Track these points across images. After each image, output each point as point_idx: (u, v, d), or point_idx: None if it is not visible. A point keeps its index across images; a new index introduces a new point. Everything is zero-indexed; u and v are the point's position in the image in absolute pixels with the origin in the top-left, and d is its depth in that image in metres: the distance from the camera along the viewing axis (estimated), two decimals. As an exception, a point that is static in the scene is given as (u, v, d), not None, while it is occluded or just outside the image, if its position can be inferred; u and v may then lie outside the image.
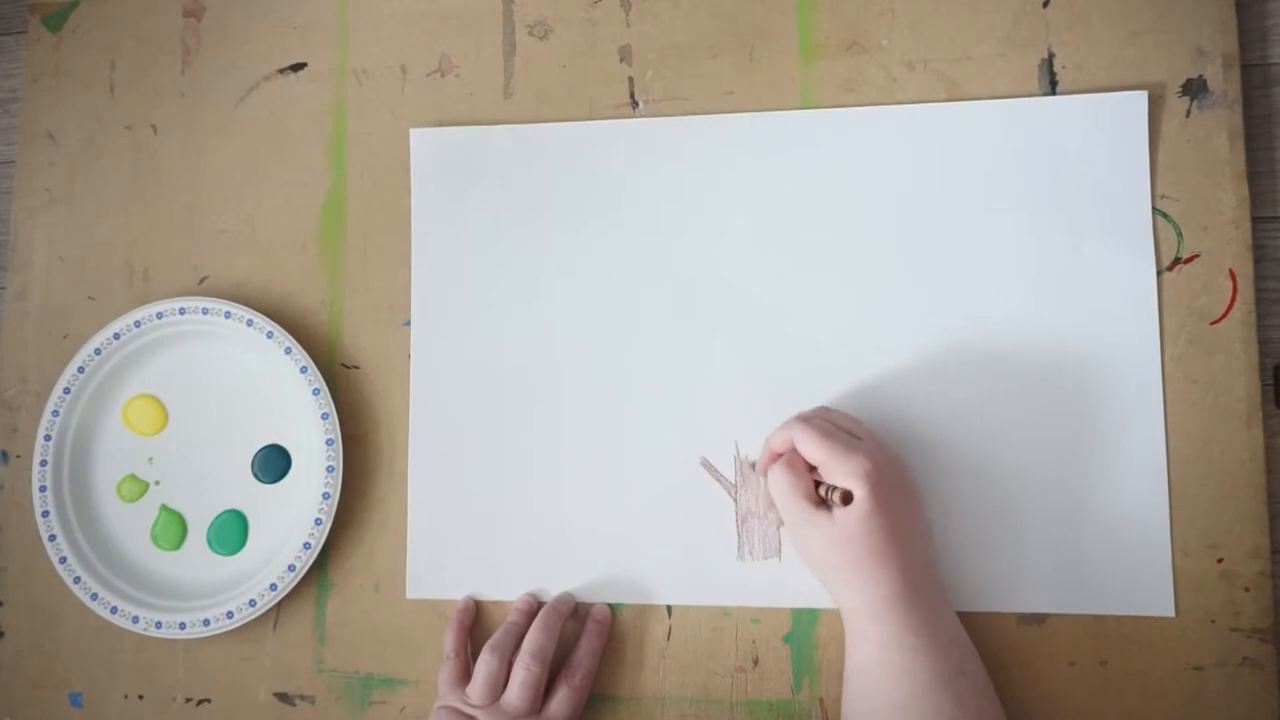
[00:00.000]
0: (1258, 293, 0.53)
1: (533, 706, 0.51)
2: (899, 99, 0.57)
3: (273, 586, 0.56)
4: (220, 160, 0.62)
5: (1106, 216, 0.54)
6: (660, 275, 0.57)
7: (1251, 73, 0.56)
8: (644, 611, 0.56)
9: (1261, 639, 0.51)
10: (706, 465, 0.56)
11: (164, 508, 0.59)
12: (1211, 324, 0.53)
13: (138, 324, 0.58)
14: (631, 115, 0.59)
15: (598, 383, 0.57)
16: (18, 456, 0.61)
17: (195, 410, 0.59)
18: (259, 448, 0.59)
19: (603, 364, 0.57)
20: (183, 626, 0.56)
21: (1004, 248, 0.55)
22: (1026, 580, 0.53)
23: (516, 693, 0.51)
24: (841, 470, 0.47)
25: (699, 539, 0.55)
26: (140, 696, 0.58)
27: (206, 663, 0.58)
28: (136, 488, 0.59)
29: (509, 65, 0.60)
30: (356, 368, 0.59)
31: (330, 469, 0.56)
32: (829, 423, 0.50)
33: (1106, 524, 0.53)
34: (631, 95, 0.59)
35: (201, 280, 0.61)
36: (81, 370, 0.58)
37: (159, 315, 0.58)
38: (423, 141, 0.60)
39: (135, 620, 0.56)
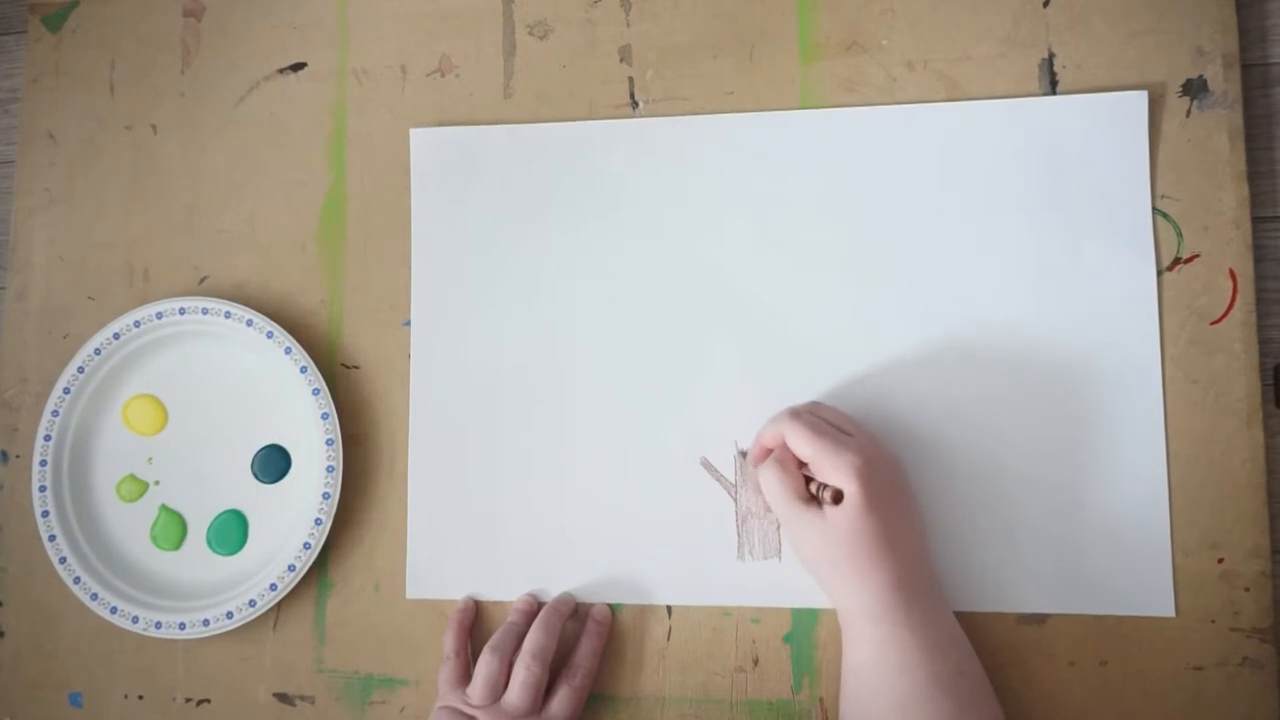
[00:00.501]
0: (1258, 293, 0.53)
1: (533, 706, 0.51)
2: (899, 99, 0.57)
3: (273, 586, 0.56)
4: (220, 160, 0.62)
5: (1106, 216, 0.54)
6: (660, 275, 0.57)
7: (1251, 73, 0.56)
8: (644, 611, 0.56)
9: (1261, 639, 0.51)
10: (706, 465, 0.56)
11: (164, 508, 0.59)
12: (1211, 324, 0.53)
13: (137, 324, 0.58)
14: (631, 115, 0.59)
15: (598, 383, 0.57)
16: (18, 456, 0.61)
17: (195, 410, 0.59)
18: (259, 448, 0.59)
19: (603, 364, 0.57)
20: (182, 626, 0.56)
21: (1004, 248, 0.55)
22: (1026, 580, 0.53)
23: (517, 693, 0.51)
24: (831, 467, 0.47)
25: (699, 539, 0.55)
26: (140, 696, 0.58)
27: (206, 663, 0.58)
28: (136, 488, 0.59)
29: (509, 65, 0.60)
30: (356, 368, 0.59)
31: (330, 469, 0.56)
32: (819, 418, 0.50)
33: (1106, 524, 0.53)
34: (631, 95, 0.59)
35: (201, 280, 0.61)
36: (81, 370, 0.58)
37: (159, 315, 0.58)
38: (423, 141, 0.60)
39: (135, 620, 0.56)
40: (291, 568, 0.56)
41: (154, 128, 0.62)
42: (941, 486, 0.54)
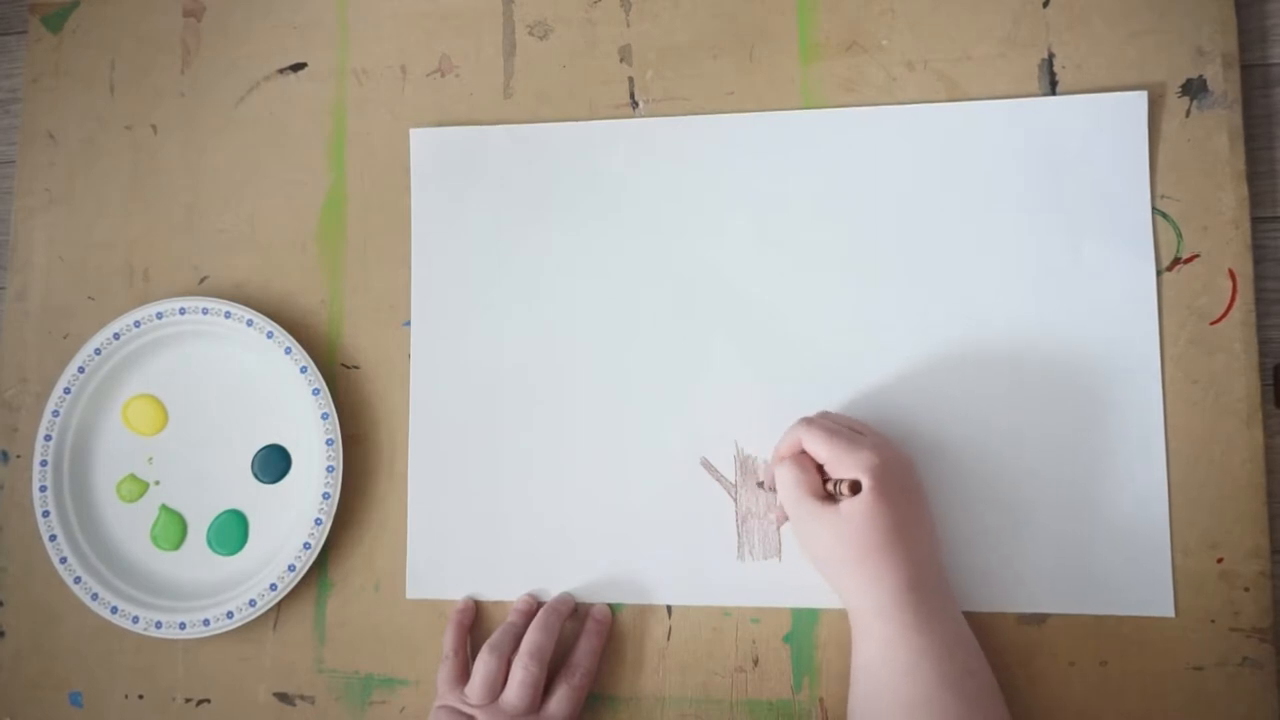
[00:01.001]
0: (1258, 293, 0.53)
1: (531, 706, 0.51)
2: (899, 99, 0.57)
3: (273, 586, 0.56)
4: (220, 160, 0.62)
5: (1106, 216, 0.54)
6: (660, 275, 0.57)
7: (1251, 73, 0.56)
8: (644, 611, 0.56)
9: (1261, 639, 0.51)
10: (706, 465, 0.56)
11: (164, 508, 0.59)
12: (1211, 324, 0.53)
13: (138, 324, 0.58)
14: (631, 115, 0.59)
15: (598, 383, 0.57)
16: (18, 456, 0.61)
17: (195, 410, 0.59)
18: (259, 448, 0.59)
19: (603, 364, 0.57)
20: (183, 626, 0.56)
21: (1004, 248, 0.55)
22: (1026, 580, 0.53)
23: (515, 692, 0.51)
24: (848, 463, 0.48)
25: (699, 539, 0.55)
26: (140, 696, 0.58)
27: (206, 663, 0.58)
28: (136, 488, 0.59)
29: (509, 65, 0.60)
30: (356, 368, 0.59)
31: (330, 469, 0.56)
32: (833, 421, 0.51)
33: (1106, 524, 0.53)
34: (631, 95, 0.59)
35: (201, 280, 0.61)
36: (81, 370, 0.58)
37: (159, 315, 0.58)
38: (423, 141, 0.60)
39: (135, 620, 0.56)
40: (291, 568, 0.56)
41: (154, 128, 0.62)
42: (941, 487, 0.54)
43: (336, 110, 0.61)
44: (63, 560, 0.57)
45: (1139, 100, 0.54)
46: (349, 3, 0.62)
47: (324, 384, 0.57)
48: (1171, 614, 0.52)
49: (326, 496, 0.56)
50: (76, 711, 0.59)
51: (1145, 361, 0.53)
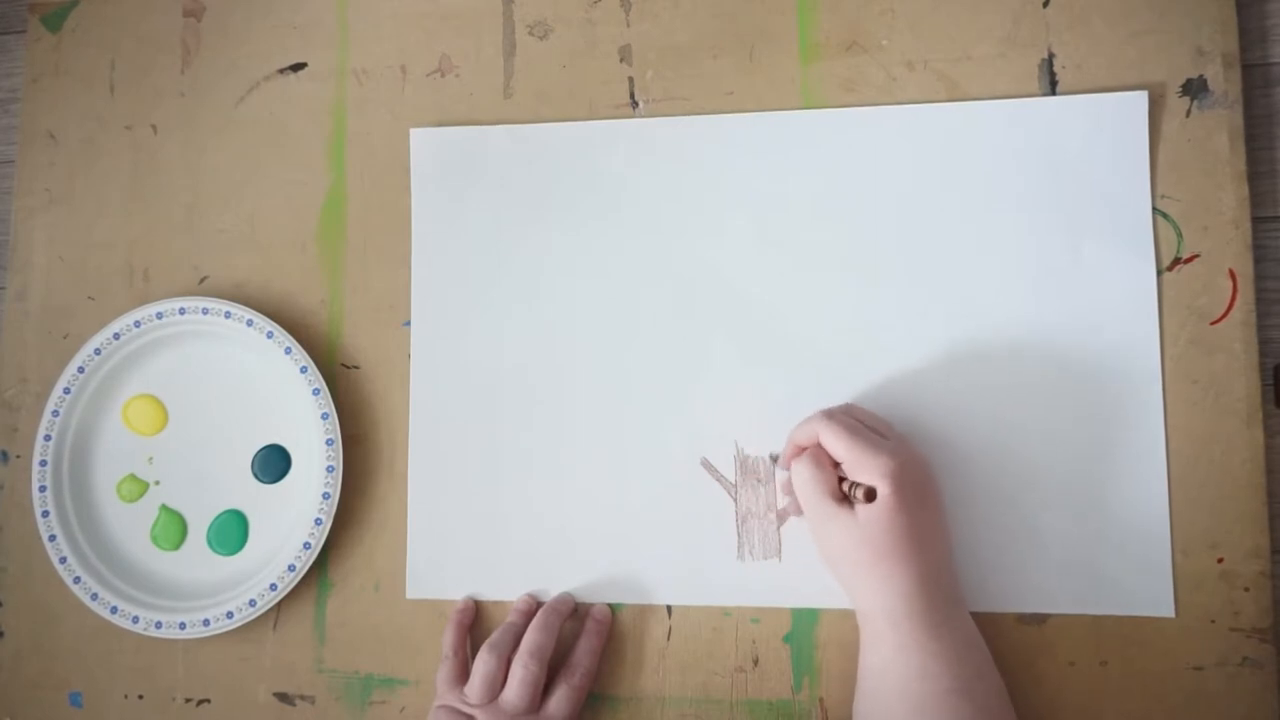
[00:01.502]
0: (1258, 293, 0.53)
1: (531, 705, 0.51)
2: (899, 99, 0.57)
3: (273, 586, 0.56)
4: (220, 160, 0.62)
5: (1106, 216, 0.54)
6: (660, 275, 0.57)
7: (1251, 73, 0.56)
8: (644, 611, 0.56)
9: (1261, 639, 0.51)
10: (706, 465, 0.56)
11: (164, 508, 0.59)
12: (1211, 324, 0.53)
13: (138, 324, 0.58)
14: (631, 115, 0.59)
15: (598, 383, 0.57)
16: (18, 456, 0.61)
17: (195, 410, 0.59)
18: (259, 448, 0.59)
19: (603, 364, 0.57)
20: (183, 626, 0.56)
21: (1004, 248, 0.55)
22: (1026, 580, 0.53)
23: (515, 691, 0.51)
24: (866, 468, 0.47)
25: (699, 539, 0.55)
26: (140, 696, 0.58)
27: (206, 663, 0.58)
28: (136, 488, 0.59)
29: (509, 65, 0.60)
30: (356, 368, 0.59)
31: (330, 469, 0.56)
32: (855, 419, 0.50)
33: (1107, 524, 0.53)
34: (631, 95, 0.59)
35: (201, 280, 0.61)
36: (81, 370, 0.58)
37: (159, 315, 0.58)
38: (423, 141, 0.60)
39: (135, 620, 0.56)
40: (291, 568, 0.56)
41: (154, 128, 0.62)
42: (941, 487, 0.54)
43: (336, 110, 0.61)
44: (62, 560, 0.57)
45: (1139, 100, 0.54)
46: (349, 3, 0.62)
47: (324, 384, 0.57)
48: (1171, 614, 0.52)
49: (326, 496, 0.56)
50: (76, 711, 0.59)
51: (1145, 361, 0.53)
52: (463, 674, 0.54)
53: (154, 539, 0.59)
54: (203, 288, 0.61)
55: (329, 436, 0.56)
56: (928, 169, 0.56)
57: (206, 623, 0.56)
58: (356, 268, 0.60)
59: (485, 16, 0.61)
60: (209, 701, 0.58)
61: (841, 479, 0.49)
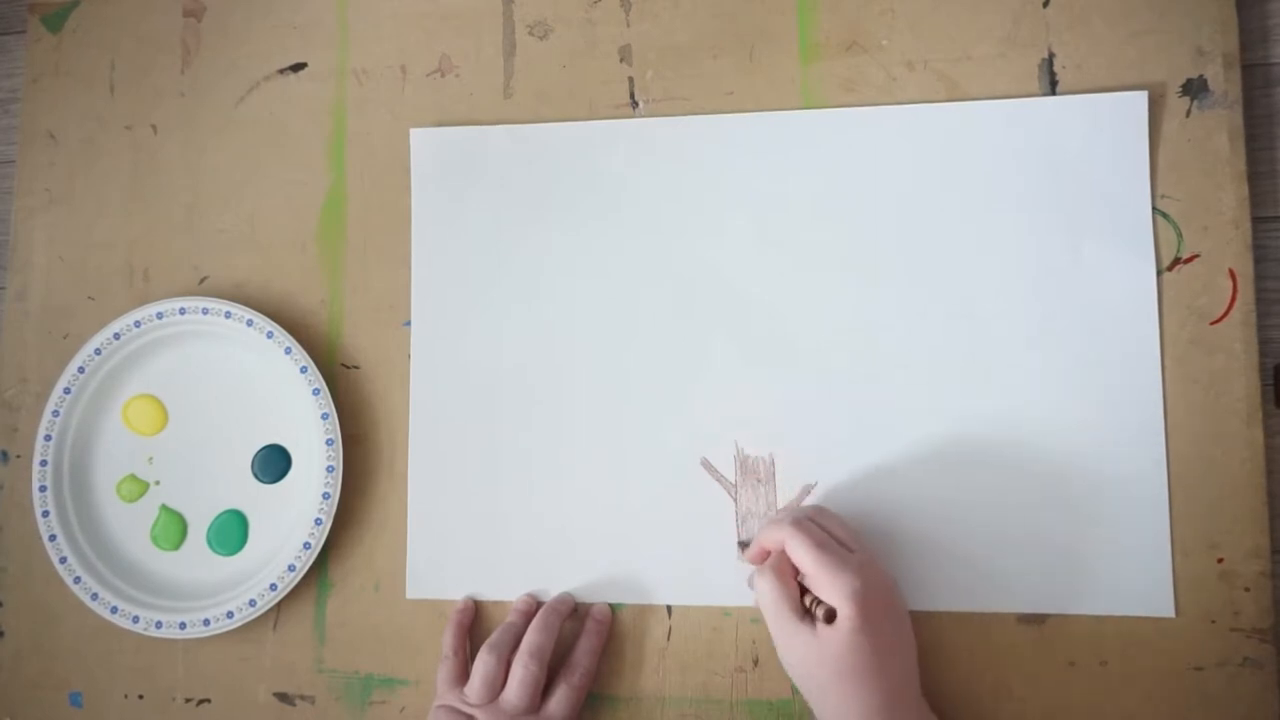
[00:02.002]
0: (1258, 293, 0.53)
1: (531, 705, 0.51)
2: (899, 99, 0.57)
3: (273, 586, 0.56)
4: (220, 160, 0.62)
5: (1106, 216, 0.54)
6: (660, 275, 0.57)
7: (1252, 73, 0.56)
8: (644, 611, 0.56)
9: (1261, 639, 0.51)
10: (706, 465, 0.56)
11: (164, 508, 0.59)
12: (1211, 324, 0.53)
13: (138, 324, 0.58)
14: (631, 115, 0.59)
15: (597, 382, 0.57)
16: (18, 456, 0.61)
17: (195, 410, 0.59)
18: (259, 448, 0.59)
19: (602, 364, 0.57)
20: (183, 626, 0.56)
21: (1004, 248, 0.55)
22: (1027, 580, 0.53)
23: (515, 691, 0.51)
24: (830, 586, 0.46)
25: (699, 539, 0.55)
26: (140, 696, 0.58)
27: (206, 663, 0.58)
28: (136, 488, 0.59)
29: (509, 65, 0.60)
30: (356, 368, 0.59)
31: (330, 469, 0.56)
32: (823, 530, 0.49)
33: (1107, 524, 0.53)
34: (631, 95, 0.59)
35: (201, 280, 0.61)
36: (81, 370, 0.58)
37: (159, 315, 0.58)
38: (423, 141, 0.60)
39: (135, 620, 0.56)
40: (291, 568, 0.56)
41: (154, 128, 0.62)
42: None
43: (336, 110, 0.61)
44: (63, 560, 0.57)
45: (1139, 100, 0.54)
46: (349, 3, 0.62)
47: (324, 384, 0.57)
48: (1171, 614, 0.52)
49: (326, 496, 0.56)
50: (76, 711, 0.59)
51: (1145, 361, 0.53)
52: (463, 674, 0.54)
53: (154, 539, 0.59)
54: (203, 288, 0.61)
55: (329, 436, 0.56)
56: (928, 169, 0.56)
57: (206, 623, 0.56)
58: (356, 268, 0.60)
59: (485, 16, 0.61)
60: (209, 701, 0.58)
61: (805, 591, 0.48)
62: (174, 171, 0.62)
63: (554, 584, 0.56)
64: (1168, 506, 0.52)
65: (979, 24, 0.57)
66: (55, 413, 0.58)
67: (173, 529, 0.59)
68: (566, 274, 0.58)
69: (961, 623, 0.53)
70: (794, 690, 0.54)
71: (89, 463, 0.59)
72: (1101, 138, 0.54)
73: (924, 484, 0.54)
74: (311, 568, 0.56)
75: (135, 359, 0.59)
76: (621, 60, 0.59)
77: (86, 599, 0.56)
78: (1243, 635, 0.51)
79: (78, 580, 0.57)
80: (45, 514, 0.57)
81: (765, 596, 0.49)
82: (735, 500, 0.55)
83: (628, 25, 0.59)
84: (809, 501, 0.55)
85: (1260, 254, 0.54)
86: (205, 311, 0.58)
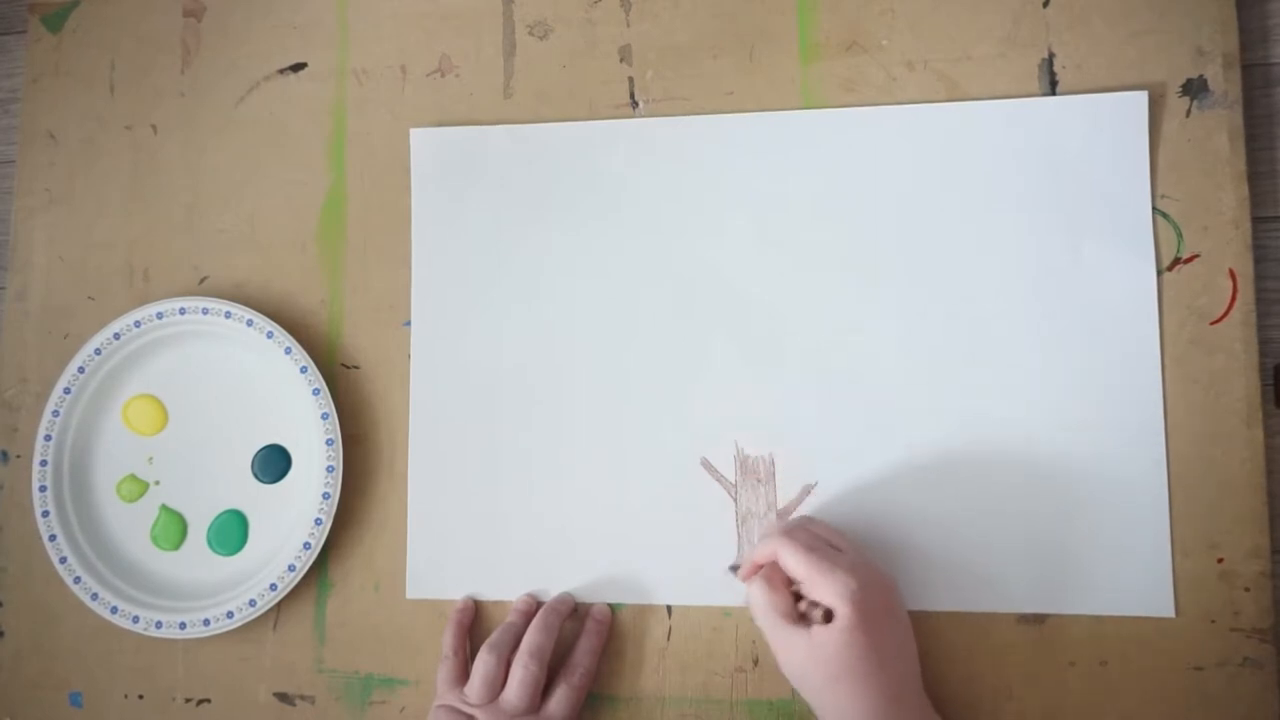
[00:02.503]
0: (1258, 293, 0.53)
1: (531, 705, 0.51)
2: (899, 99, 0.57)
3: (273, 586, 0.56)
4: (220, 160, 0.62)
5: (1106, 216, 0.54)
6: (660, 275, 0.57)
7: (1252, 73, 0.56)
8: (644, 611, 0.56)
9: (1261, 639, 0.51)
10: (706, 465, 0.56)
11: (164, 508, 0.59)
12: (1211, 324, 0.53)
13: (138, 324, 0.58)
14: (631, 115, 0.59)
15: (597, 382, 0.57)
16: (18, 456, 0.61)
17: (195, 410, 0.59)
18: (259, 448, 0.59)
19: (602, 364, 0.57)
20: (183, 626, 0.56)
21: (1004, 248, 0.55)
22: (1026, 580, 0.53)
23: (515, 691, 0.51)
24: (823, 586, 0.46)
25: (699, 539, 0.55)
26: (140, 696, 0.58)
27: (206, 663, 0.58)
28: (136, 488, 0.59)
29: (509, 65, 0.60)
30: (356, 368, 0.59)
31: (330, 469, 0.56)
32: (813, 535, 0.49)
33: (1107, 524, 0.53)
34: (631, 95, 0.59)
35: (201, 280, 0.61)
36: (81, 370, 0.58)
37: (159, 315, 0.58)
38: (423, 141, 0.60)
39: (135, 620, 0.56)
40: (291, 568, 0.56)
41: (154, 128, 0.62)
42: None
43: (336, 110, 0.61)
44: (63, 560, 0.57)
45: (1139, 100, 0.54)
46: (349, 3, 0.62)
47: (324, 384, 0.57)
48: (1171, 614, 0.52)
49: (326, 496, 0.56)
50: (76, 711, 0.59)
51: (1145, 361, 0.53)
52: (463, 674, 0.54)
53: (154, 539, 0.59)
54: (203, 288, 0.61)
55: (329, 436, 0.56)
56: (928, 169, 0.56)
57: (206, 623, 0.56)
58: (356, 268, 0.60)
59: (485, 16, 0.61)
60: (209, 701, 0.58)
61: (798, 597, 0.48)
62: (174, 171, 0.62)
63: (554, 584, 0.56)
64: (1168, 506, 0.52)
65: (979, 24, 0.57)
66: (55, 413, 0.58)
67: (173, 529, 0.59)
68: (566, 274, 0.58)
69: (961, 623, 0.53)
70: (794, 690, 0.54)
71: (89, 463, 0.59)
72: (1101, 138, 0.54)
73: (924, 484, 0.54)
74: (311, 568, 0.56)
75: (135, 359, 0.59)
76: (621, 60, 0.59)
77: (86, 599, 0.56)
78: (1243, 635, 0.51)
79: (78, 580, 0.57)
80: (45, 514, 0.57)
81: (756, 604, 0.49)
82: (735, 500, 0.55)
83: (628, 25, 0.59)
84: (809, 502, 0.55)
85: (1260, 254, 0.54)
86: (205, 311, 0.58)
